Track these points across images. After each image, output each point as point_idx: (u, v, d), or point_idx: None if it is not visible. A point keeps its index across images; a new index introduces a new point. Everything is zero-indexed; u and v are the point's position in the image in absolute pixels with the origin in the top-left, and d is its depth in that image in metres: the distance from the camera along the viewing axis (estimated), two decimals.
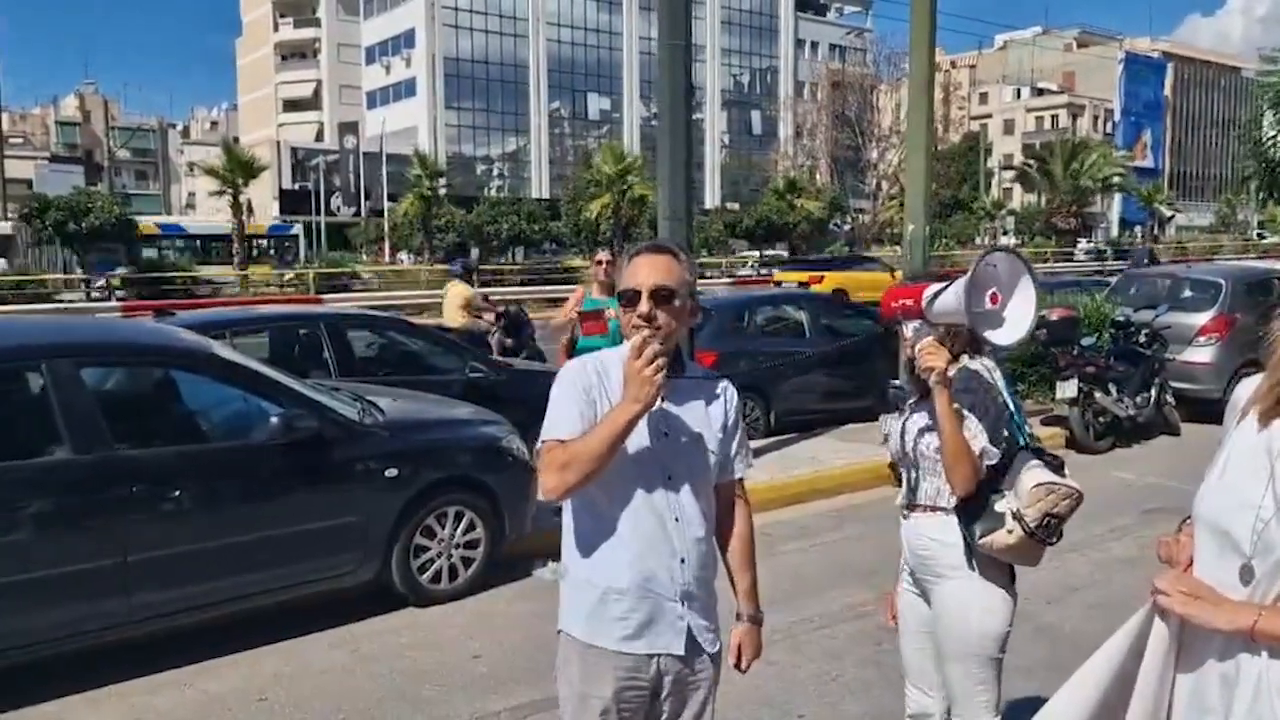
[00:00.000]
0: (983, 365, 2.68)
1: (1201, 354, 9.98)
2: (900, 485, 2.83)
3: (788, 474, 7.49)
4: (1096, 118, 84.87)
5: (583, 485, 2.07)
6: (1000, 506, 2.55)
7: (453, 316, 9.87)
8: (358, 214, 51.74)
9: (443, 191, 41.41)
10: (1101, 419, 8.92)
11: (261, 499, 4.60)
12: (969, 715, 2.66)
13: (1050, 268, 36.67)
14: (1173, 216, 66.13)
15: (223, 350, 5.06)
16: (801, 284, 22.96)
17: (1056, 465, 2.63)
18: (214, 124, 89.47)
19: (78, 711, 4.01)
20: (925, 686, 2.82)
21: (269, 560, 4.56)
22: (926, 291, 2.48)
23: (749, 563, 2.36)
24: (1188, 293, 10.73)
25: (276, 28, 68.35)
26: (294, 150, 56.72)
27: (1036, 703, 1.92)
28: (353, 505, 4.81)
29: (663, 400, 2.09)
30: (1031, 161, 58.40)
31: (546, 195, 56.34)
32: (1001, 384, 2.66)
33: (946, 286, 2.42)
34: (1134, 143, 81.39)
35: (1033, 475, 2.57)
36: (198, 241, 36.62)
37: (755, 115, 68.27)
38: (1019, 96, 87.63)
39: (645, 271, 2.13)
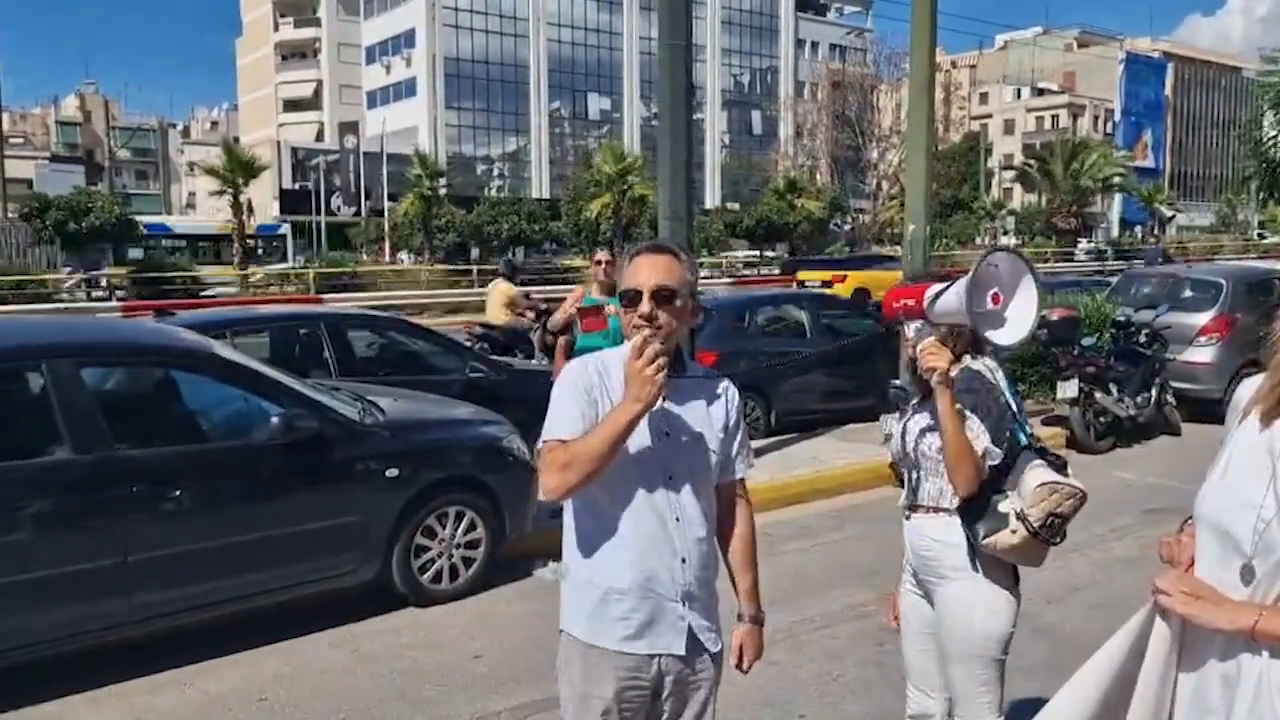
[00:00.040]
0: (985, 365, 2.68)
1: (1202, 354, 9.98)
2: (901, 485, 2.83)
3: (788, 474, 7.49)
4: (1097, 118, 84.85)
5: (584, 485, 2.06)
6: (1004, 507, 2.55)
7: (496, 314, 10.10)
8: (358, 214, 51.74)
9: (443, 191, 41.44)
10: (1102, 419, 8.92)
11: (262, 499, 4.60)
12: (972, 716, 2.66)
13: (1051, 268, 36.63)
14: (1173, 216, 66.15)
15: (223, 350, 5.06)
16: (825, 283, 23.11)
17: (1060, 465, 2.62)
18: (214, 124, 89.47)
19: (78, 711, 4.00)
20: (927, 688, 2.82)
21: (269, 560, 4.56)
22: (928, 292, 2.47)
23: (750, 563, 2.36)
24: (1188, 293, 10.73)
25: (277, 28, 68.33)
26: (294, 150, 56.72)
27: (1037, 703, 1.92)
28: (353, 505, 4.81)
29: (664, 400, 2.09)
30: (1032, 161, 58.38)
31: (547, 195, 56.35)
32: (1004, 384, 2.66)
33: (948, 287, 2.42)
34: (1134, 143, 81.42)
35: (1036, 475, 2.56)
36: (184, 241, 36.71)
37: (755, 115, 68.26)
38: (1019, 96, 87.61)
39: (646, 271, 2.13)
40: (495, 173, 62.46)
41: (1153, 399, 9.29)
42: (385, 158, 48.11)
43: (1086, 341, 9.21)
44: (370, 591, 4.99)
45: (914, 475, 2.72)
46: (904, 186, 12.93)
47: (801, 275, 26.57)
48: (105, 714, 4.00)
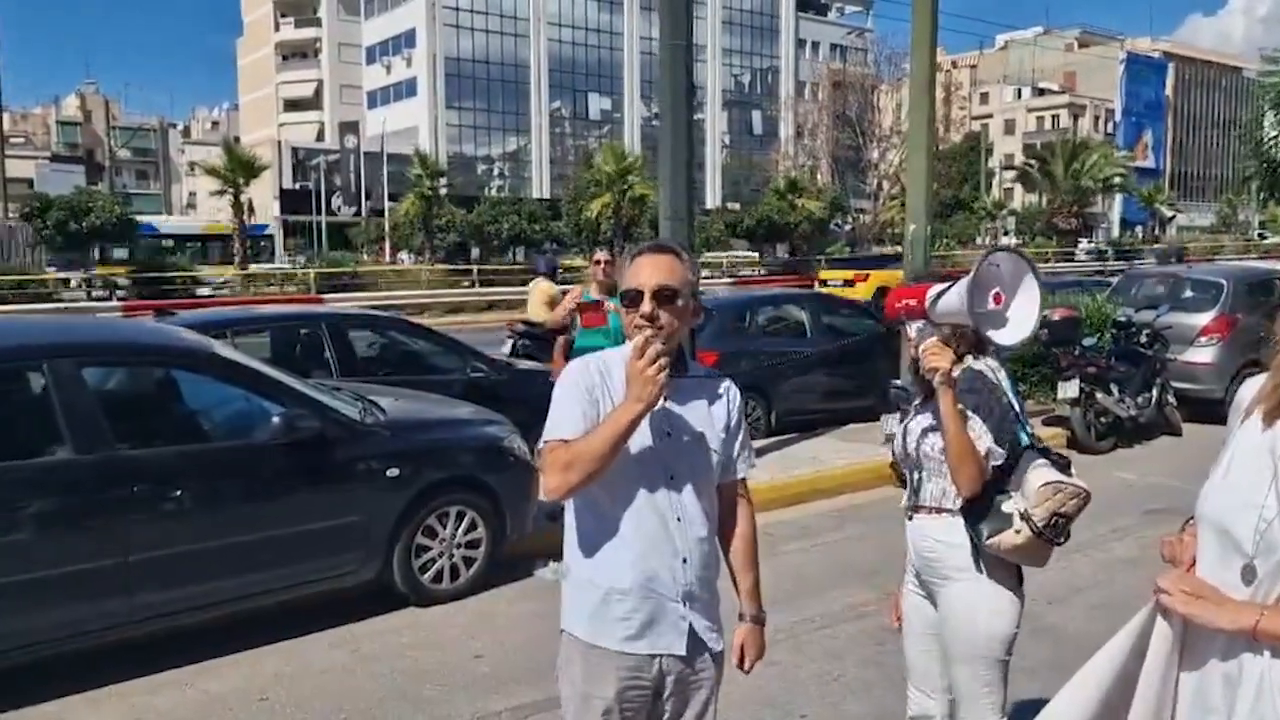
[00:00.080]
0: (987, 365, 2.67)
1: (1203, 354, 9.98)
2: (902, 485, 2.82)
3: (789, 474, 7.49)
4: (1097, 118, 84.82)
5: (585, 485, 2.06)
6: (1007, 507, 2.55)
7: (537, 312, 10.23)
8: (358, 214, 51.70)
9: (443, 191, 41.37)
10: (1103, 419, 8.92)
11: (263, 499, 4.60)
12: (975, 717, 2.66)
13: (1051, 268, 36.64)
14: (1174, 217, 66.16)
15: (224, 350, 5.06)
16: (846, 282, 23.29)
17: (1063, 464, 2.62)
18: (215, 124, 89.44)
19: (78, 711, 4.00)
20: (928, 689, 2.82)
21: (270, 560, 4.56)
22: (930, 292, 2.47)
23: (751, 563, 2.36)
24: (1189, 293, 10.73)
25: (277, 27, 68.31)
26: (295, 150, 56.69)
27: (1040, 703, 1.92)
28: (354, 505, 4.81)
29: (665, 400, 2.09)
30: (1032, 161, 58.27)
31: (547, 195, 56.30)
32: (1006, 384, 2.66)
33: (950, 287, 2.42)
34: (1135, 143, 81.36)
35: (1039, 475, 2.56)
36: (172, 241, 36.80)
37: (756, 115, 68.23)
38: (1020, 96, 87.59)
39: (648, 271, 2.13)
40: (496, 173, 62.43)
41: (1154, 399, 9.29)
42: (385, 158, 48.10)
43: (1087, 342, 9.21)
44: (371, 591, 4.99)
45: (916, 476, 2.72)
46: (905, 186, 12.92)
47: (823, 274, 26.74)
48: (105, 714, 4.00)
